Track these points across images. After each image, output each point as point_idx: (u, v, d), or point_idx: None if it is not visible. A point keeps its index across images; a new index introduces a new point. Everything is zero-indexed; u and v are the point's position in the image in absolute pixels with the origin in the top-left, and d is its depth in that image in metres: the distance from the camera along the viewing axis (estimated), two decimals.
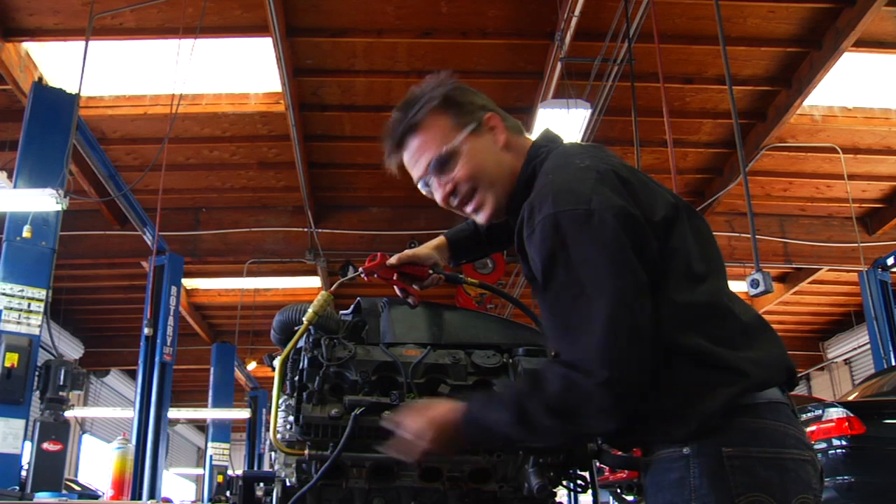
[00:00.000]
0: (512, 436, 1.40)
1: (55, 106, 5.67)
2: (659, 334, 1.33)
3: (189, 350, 13.52)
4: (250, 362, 13.51)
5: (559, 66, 6.24)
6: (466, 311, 1.91)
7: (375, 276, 1.79)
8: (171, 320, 8.26)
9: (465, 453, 1.63)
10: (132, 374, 14.84)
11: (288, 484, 1.64)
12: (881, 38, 6.78)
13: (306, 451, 1.60)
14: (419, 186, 1.64)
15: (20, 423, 4.92)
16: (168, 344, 8.12)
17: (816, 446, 4.83)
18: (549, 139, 1.62)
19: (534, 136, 1.66)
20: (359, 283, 1.96)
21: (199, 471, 20.79)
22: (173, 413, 11.09)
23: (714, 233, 1.55)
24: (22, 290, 5.16)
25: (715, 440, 1.31)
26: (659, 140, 7.77)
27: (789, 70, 7.29)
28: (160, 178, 7.08)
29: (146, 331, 7.98)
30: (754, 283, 5.40)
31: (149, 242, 8.01)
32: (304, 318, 1.70)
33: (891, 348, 8.58)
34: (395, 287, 1.81)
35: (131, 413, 8.43)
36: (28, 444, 5.09)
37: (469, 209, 1.60)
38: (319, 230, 9.51)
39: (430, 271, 1.83)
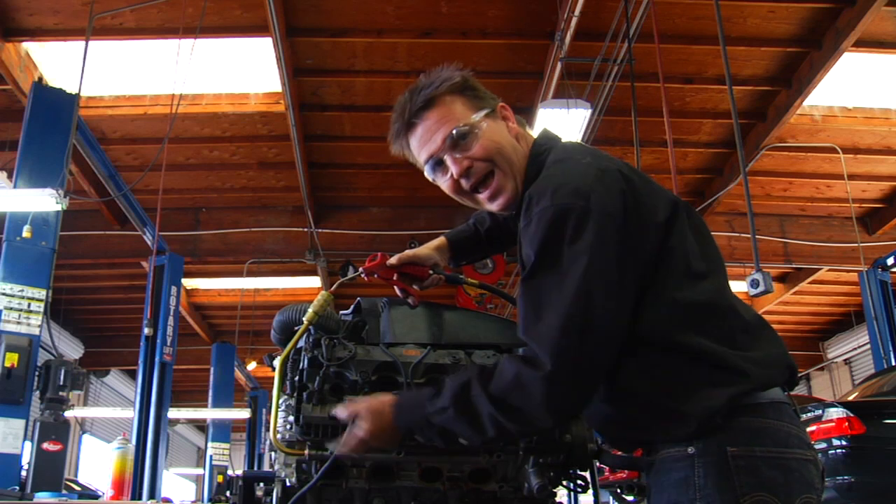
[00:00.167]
0: (447, 425, 1.39)
1: (55, 106, 5.66)
2: (654, 334, 1.34)
3: (189, 350, 13.52)
4: (250, 362, 13.51)
5: (559, 66, 6.24)
6: (466, 311, 1.91)
7: (375, 276, 1.78)
8: (171, 320, 8.26)
9: (464, 453, 1.61)
10: (132, 374, 14.85)
11: (288, 484, 1.63)
12: (881, 38, 6.78)
13: (306, 451, 1.60)
14: (426, 171, 1.60)
15: (20, 423, 4.92)
16: (168, 344, 8.12)
17: (816, 446, 4.79)
18: (549, 138, 1.63)
19: (534, 135, 1.66)
20: (359, 283, 1.96)
21: (199, 471, 20.79)
22: (173, 413, 11.09)
23: (714, 233, 1.55)
24: (22, 290, 5.16)
25: (719, 440, 1.31)
26: (659, 140, 7.77)
27: (789, 70, 7.29)
28: (160, 178, 7.08)
29: (146, 331, 7.98)
30: (754, 283, 5.40)
31: (149, 242, 8.01)
32: (304, 318, 1.70)
33: (891, 348, 8.58)
34: (395, 287, 1.81)
35: (131, 413, 8.43)
36: (28, 444, 5.09)
37: (485, 194, 1.56)
38: (319, 230, 9.51)
39: (431, 272, 1.83)
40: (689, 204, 1.53)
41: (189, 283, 12.17)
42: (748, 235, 5.73)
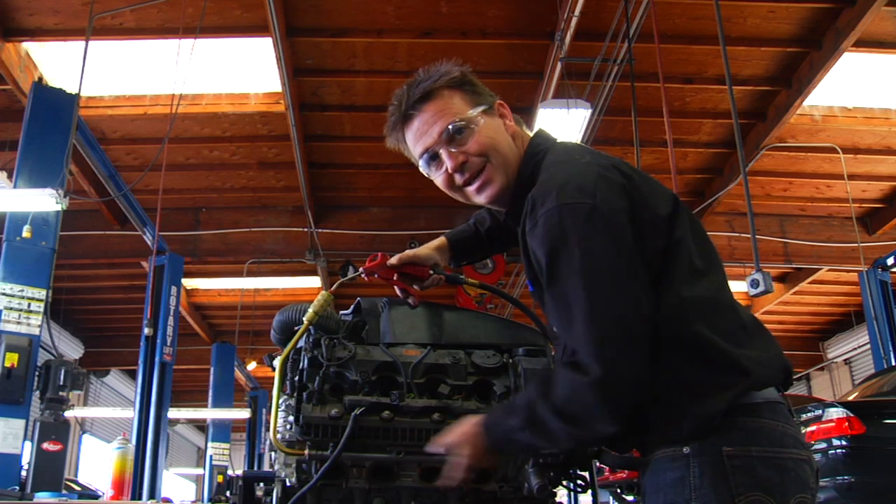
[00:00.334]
0: (528, 441, 1.40)
1: (55, 106, 5.66)
2: (658, 330, 1.34)
3: (189, 350, 13.51)
4: (250, 362, 13.51)
5: (559, 66, 6.24)
6: (466, 311, 1.91)
7: (376, 276, 1.78)
8: (171, 320, 8.26)
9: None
10: (132, 374, 14.85)
11: (288, 484, 1.63)
12: (881, 38, 6.78)
13: (306, 451, 1.60)
14: (420, 164, 1.60)
15: (20, 423, 4.92)
16: (168, 344, 8.12)
17: (816, 446, 4.83)
18: (545, 138, 1.63)
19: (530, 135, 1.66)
20: (359, 283, 1.96)
21: (199, 471, 20.79)
22: (173, 413, 11.08)
23: (714, 233, 1.56)
24: (22, 290, 5.16)
25: (715, 440, 1.31)
26: (659, 140, 7.77)
27: (789, 70, 7.29)
28: (160, 178, 7.07)
29: (146, 331, 7.98)
30: (754, 283, 5.40)
31: (149, 242, 8.01)
32: (304, 318, 1.70)
33: (891, 348, 8.57)
34: (395, 287, 1.81)
35: (131, 413, 8.43)
36: (28, 444, 5.09)
37: (474, 186, 1.56)
38: (319, 230, 9.51)
39: (431, 272, 1.83)
40: (686, 204, 1.54)
41: (189, 283, 12.17)
42: (748, 235, 5.73)
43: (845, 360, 14.80)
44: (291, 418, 1.64)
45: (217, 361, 12.40)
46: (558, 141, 1.63)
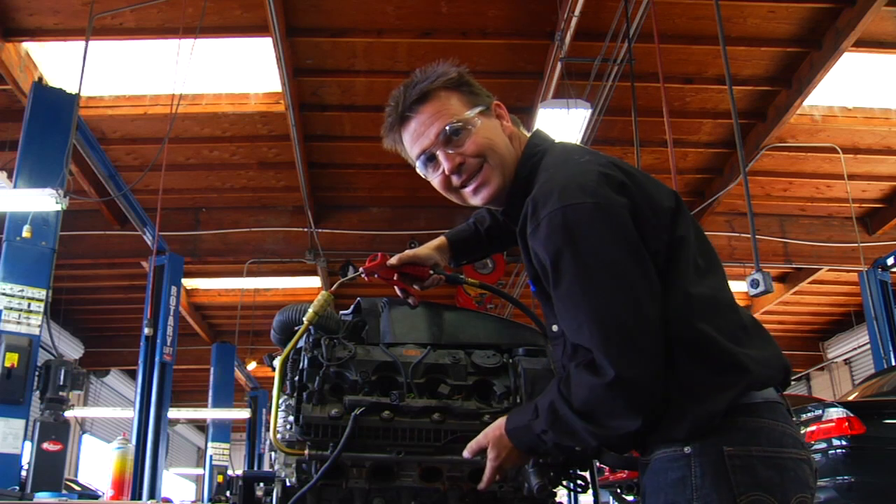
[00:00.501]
0: (555, 441, 1.40)
1: (55, 106, 5.66)
2: (667, 326, 1.33)
3: (189, 350, 13.51)
4: (250, 362, 13.51)
5: (559, 66, 6.24)
6: (466, 311, 1.91)
7: (376, 276, 1.78)
8: (171, 320, 8.26)
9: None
10: (132, 374, 14.85)
11: (288, 484, 1.63)
12: (881, 38, 6.78)
13: (306, 451, 1.59)
14: (417, 166, 1.59)
15: (20, 423, 4.92)
16: (168, 344, 8.11)
17: (816, 446, 4.82)
18: (543, 139, 1.62)
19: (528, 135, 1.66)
20: (359, 283, 1.96)
21: (199, 471, 20.79)
22: (173, 413, 11.08)
23: (714, 233, 1.57)
24: (22, 290, 5.15)
25: (716, 439, 1.31)
26: (659, 140, 7.77)
27: (789, 70, 7.29)
28: (160, 178, 7.07)
29: (146, 331, 7.98)
30: (754, 283, 5.39)
31: (149, 242, 8.01)
32: (304, 318, 1.70)
33: (891, 348, 8.57)
34: (395, 287, 1.81)
35: (131, 413, 8.43)
36: (28, 444, 5.09)
37: (471, 187, 1.56)
38: (319, 230, 9.51)
39: (431, 272, 1.83)
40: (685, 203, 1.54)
41: (189, 283, 12.17)
42: (748, 235, 5.73)
43: (845, 360, 14.80)
44: (291, 418, 1.64)
45: (217, 361, 12.40)
46: (556, 141, 1.62)
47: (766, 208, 9.71)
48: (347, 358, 1.67)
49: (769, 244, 9.61)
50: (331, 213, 9.71)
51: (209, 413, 12.90)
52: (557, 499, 1.74)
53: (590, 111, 6.27)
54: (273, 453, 1.67)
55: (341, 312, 1.83)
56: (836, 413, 4.91)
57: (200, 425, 21.62)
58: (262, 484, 1.79)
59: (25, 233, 5.22)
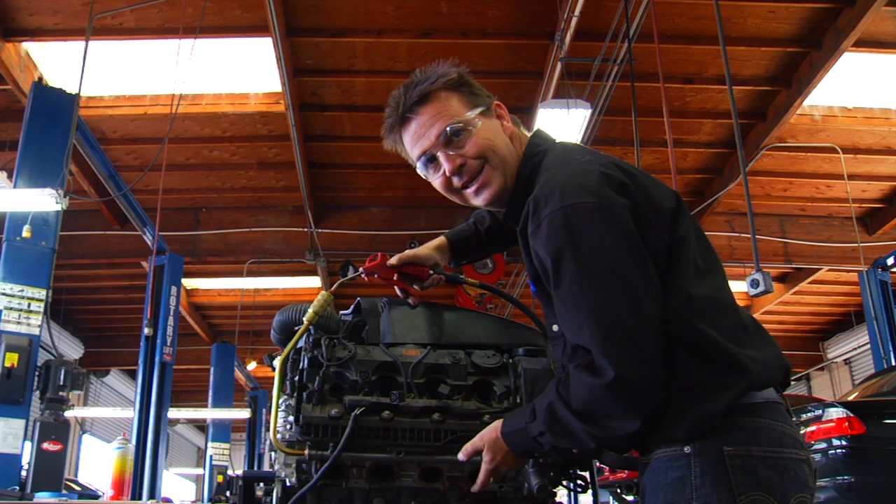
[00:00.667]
0: (552, 444, 1.40)
1: (55, 106, 5.66)
2: (667, 327, 1.33)
3: (189, 350, 13.51)
4: (250, 362, 13.51)
5: (559, 66, 6.24)
6: (466, 311, 1.91)
7: (376, 276, 1.78)
8: (171, 320, 8.25)
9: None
10: (132, 374, 14.85)
11: (288, 484, 1.63)
12: (881, 38, 6.78)
13: (306, 451, 1.60)
14: (418, 167, 1.59)
15: (20, 423, 4.92)
16: (168, 344, 8.11)
17: (816, 446, 4.82)
18: (544, 139, 1.62)
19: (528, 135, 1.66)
20: (359, 283, 1.96)
21: (199, 471, 20.79)
22: (173, 413, 11.08)
23: (714, 233, 1.57)
24: (22, 290, 5.16)
25: (716, 439, 1.31)
26: (659, 140, 7.77)
27: (789, 70, 7.29)
28: (160, 178, 7.08)
29: (146, 331, 7.98)
30: (754, 283, 5.39)
31: (149, 242, 8.01)
32: (304, 318, 1.70)
33: (891, 348, 8.57)
34: (395, 287, 1.81)
35: (131, 413, 8.43)
36: (28, 444, 5.09)
37: (472, 189, 1.55)
38: (319, 230, 9.51)
39: (431, 272, 1.83)
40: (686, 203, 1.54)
41: (189, 283, 12.17)
42: (748, 235, 5.73)
43: (845, 360, 14.79)
44: (291, 418, 1.64)
45: (217, 361, 12.41)
46: (557, 141, 1.62)
47: (766, 208, 9.71)
48: (347, 358, 1.67)
49: (769, 244, 9.61)
50: (331, 213, 9.71)
51: (209, 413, 12.90)
52: (557, 499, 1.74)
53: (590, 111, 6.26)
54: (273, 453, 1.67)
55: (341, 312, 1.83)
56: (836, 413, 4.91)
57: (200, 425, 21.62)
58: (262, 484, 1.79)
59: (25, 233, 5.22)
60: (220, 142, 8.43)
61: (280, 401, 1.67)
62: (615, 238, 1.33)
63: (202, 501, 14.46)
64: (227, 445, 13.14)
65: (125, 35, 6.70)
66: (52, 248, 5.37)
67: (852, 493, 4.73)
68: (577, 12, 5.72)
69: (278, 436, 1.65)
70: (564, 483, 1.66)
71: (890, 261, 8.75)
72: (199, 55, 6.45)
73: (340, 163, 8.93)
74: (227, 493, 7.77)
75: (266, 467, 12.64)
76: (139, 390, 7.98)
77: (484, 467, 1.51)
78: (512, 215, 1.58)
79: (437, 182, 1.59)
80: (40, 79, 6.71)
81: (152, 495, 7.43)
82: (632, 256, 1.33)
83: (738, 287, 7.45)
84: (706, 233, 1.54)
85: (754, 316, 1.54)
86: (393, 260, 1.78)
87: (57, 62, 7.04)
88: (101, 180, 7.49)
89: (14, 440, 4.86)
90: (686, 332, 1.34)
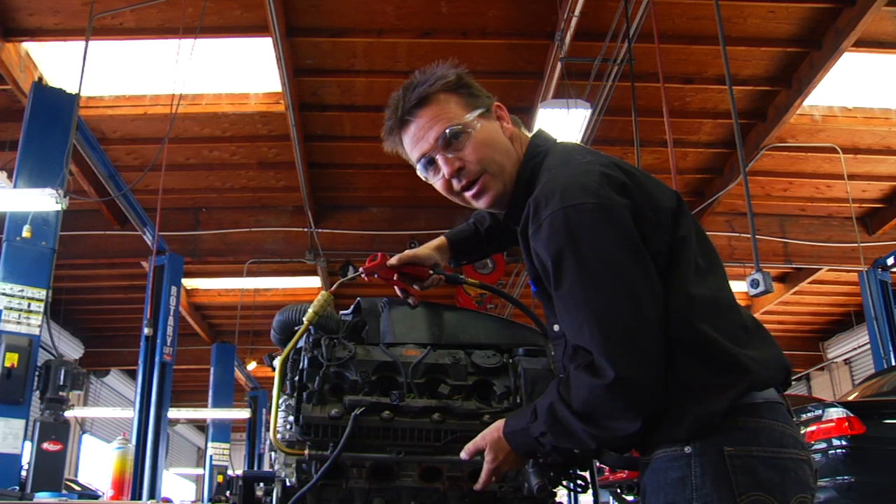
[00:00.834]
0: (553, 444, 1.40)
1: (55, 106, 5.66)
2: (668, 327, 1.33)
3: (189, 350, 13.51)
4: (250, 362, 13.51)
5: (559, 66, 6.24)
6: (466, 311, 1.91)
7: (376, 276, 1.78)
8: (171, 320, 8.26)
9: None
10: (132, 374, 14.85)
11: (288, 484, 1.63)
12: (881, 38, 6.78)
13: (306, 451, 1.60)
14: (418, 169, 1.59)
15: (20, 423, 4.92)
16: (168, 344, 8.11)
17: (816, 446, 4.82)
18: (544, 139, 1.62)
19: (529, 135, 1.66)
20: (359, 283, 1.96)
21: (199, 471, 20.79)
22: (173, 413, 11.08)
23: (714, 233, 1.57)
24: (22, 290, 5.15)
25: (717, 439, 1.31)
26: (659, 140, 7.77)
27: (789, 70, 7.29)
28: (160, 178, 7.07)
29: (146, 331, 7.98)
30: (754, 283, 5.39)
31: (149, 242, 8.01)
32: (304, 318, 1.70)
33: (891, 348, 8.57)
34: (395, 287, 1.81)
35: (131, 413, 8.43)
36: (28, 444, 5.09)
37: (472, 192, 1.55)
38: (319, 230, 9.51)
39: (431, 272, 1.83)
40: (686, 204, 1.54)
41: (189, 283, 12.17)
42: (748, 235, 5.73)
43: (845, 360, 14.79)
44: (291, 418, 1.64)
45: (217, 361, 12.41)
46: (557, 141, 1.62)
47: (766, 208, 9.71)
48: (347, 358, 1.67)
49: (769, 244, 9.61)
50: (331, 213, 9.71)
51: (209, 413, 12.90)
52: (557, 499, 1.74)
53: (590, 111, 6.27)
54: (273, 453, 1.67)
55: (341, 312, 1.83)
56: (836, 413, 4.91)
57: (200, 425, 21.63)
58: (262, 484, 1.79)
59: (25, 233, 5.22)
60: (220, 142, 8.43)
61: (280, 401, 1.67)
62: (615, 238, 1.33)
63: (202, 501, 14.46)
64: (227, 445, 13.14)
65: (125, 35, 6.70)
66: (52, 248, 5.37)
67: (852, 493, 4.73)
68: (577, 12, 5.72)
69: (278, 436, 1.65)
70: (564, 483, 1.66)
71: (890, 261, 8.75)
72: (199, 55, 6.44)
73: (340, 163, 8.93)
74: (227, 493, 7.77)
75: (266, 467, 12.64)
76: (139, 390, 7.98)
77: (486, 467, 1.51)
78: (512, 216, 1.58)
79: (437, 184, 1.59)
80: (40, 79, 6.71)
81: (152, 495, 7.43)
82: (632, 257, 1.33)
83: (738, 287, 7.41)
84: (706, 233, 1.54)
85: (754, 316, 1.54)
86: (393, 260, 1.78)
87: (57, 62, 7.04)
88: (101, 180, 7.49)
89: (14, 440, 4.86)
90: (686, 332, 1.34)
